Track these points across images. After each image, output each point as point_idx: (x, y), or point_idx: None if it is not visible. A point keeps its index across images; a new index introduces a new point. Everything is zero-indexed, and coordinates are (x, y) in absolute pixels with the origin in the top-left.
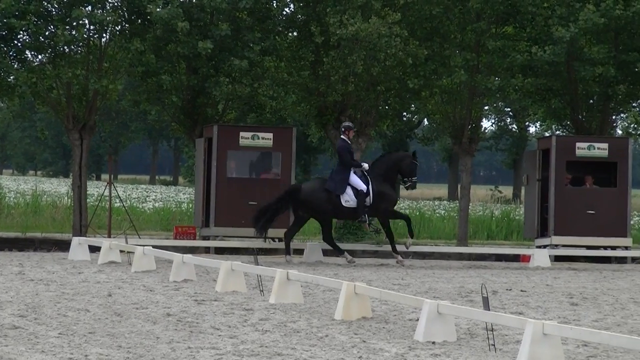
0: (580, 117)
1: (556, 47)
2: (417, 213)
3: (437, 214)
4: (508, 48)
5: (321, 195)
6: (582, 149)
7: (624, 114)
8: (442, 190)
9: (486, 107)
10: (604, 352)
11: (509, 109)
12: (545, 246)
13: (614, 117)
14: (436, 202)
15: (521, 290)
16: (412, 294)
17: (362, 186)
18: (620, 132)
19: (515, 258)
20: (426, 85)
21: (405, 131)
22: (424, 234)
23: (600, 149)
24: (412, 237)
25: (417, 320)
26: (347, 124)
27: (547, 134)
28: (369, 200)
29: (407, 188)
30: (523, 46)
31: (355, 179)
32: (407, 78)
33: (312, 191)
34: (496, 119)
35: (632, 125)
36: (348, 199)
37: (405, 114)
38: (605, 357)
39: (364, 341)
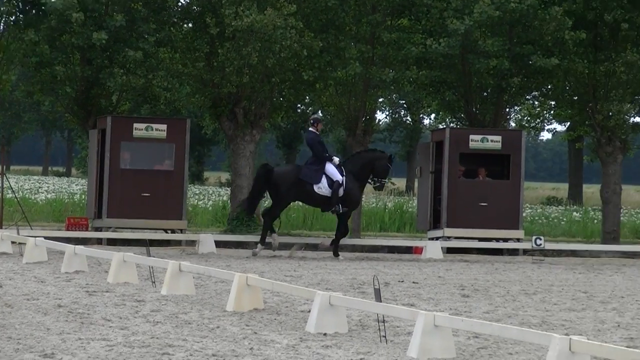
0: (474, 109)
1: (451, 39)
2: None
3: None
4: (403, 40)
5: (293, 181)
6: (476, 141)
7: (518, 106)
8: None
9: (380, 99)
10: (495, 344)
11: (403, 101)
12: (437, 238)
13: (507, 109)
14: None
15: (413, 282)
16: (304, 285)
17: (337, 177)
18: (513, 124)
19: (408, 250)
20: (321, 77)
21: (300, 123)
22: (316, 225)
23: (493, 142)
24: (330, 244)
25: (309, 311)
26: (315, 116)
27: (440, 126)
28: (341, 191)
29: (375, 188)
30: (418, 38)
31: (331, 169)
32: (301, 70)
33: (284, 174)
34: (390, 111)
35: (525, 118)
36: (321, 186)
37: (299, 105)
38: (495, 349)
39: (256, 332)
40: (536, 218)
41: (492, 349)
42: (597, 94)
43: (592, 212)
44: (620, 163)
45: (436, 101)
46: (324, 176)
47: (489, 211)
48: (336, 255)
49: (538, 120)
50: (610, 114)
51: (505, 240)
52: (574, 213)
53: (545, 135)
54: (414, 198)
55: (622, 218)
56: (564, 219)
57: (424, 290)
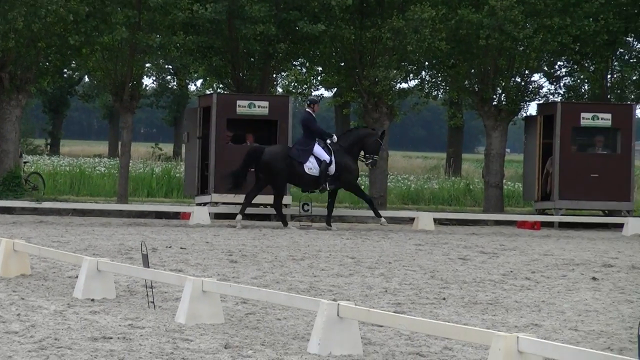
0: (241, 75)
1: (217, 4)
2: (78, 170)
3: (98, 171)
4: (170, 5)
5: (283, 160)
6: (243, 106)
7: (285, 72)
8: (103, 147)
9: (147, 65)
10: (263, 310)
11: (170, 67)
12: (205, 204)
13: (274, 75)
14: (96, 159)
15: (181, 248)
16: (72, 251)
17: (325, 156)
18: (281, 90)
19: (176, 215)
20: (87, 42)
21: (66, 88)
22: (83, 191)
23: (260, 107)
24: (379, 217)
25: (77, 277)
26: (313, 97)
27: (208, 92)
28: (331, 169)
29: (367, 165)
30: (185, 4)
31: (318, 150)
32: (68, 35)
33: (274, 154)
34: (157, 76)
35: (292, 84)
36: (311, 166)
37: (66, 70)
38: (264, 314)
39: (23, 298)
40: None
41: (261, 314)
42: (363, 60)
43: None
44: (387, 129)
45: (203, 67)
46: (312, 156)
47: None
48: (329, 225)
49: (305, 86)
50: (377, 80)
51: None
52: None
53: None
54: (181, 164)
55: (389, 184)
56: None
57: (192, 256)
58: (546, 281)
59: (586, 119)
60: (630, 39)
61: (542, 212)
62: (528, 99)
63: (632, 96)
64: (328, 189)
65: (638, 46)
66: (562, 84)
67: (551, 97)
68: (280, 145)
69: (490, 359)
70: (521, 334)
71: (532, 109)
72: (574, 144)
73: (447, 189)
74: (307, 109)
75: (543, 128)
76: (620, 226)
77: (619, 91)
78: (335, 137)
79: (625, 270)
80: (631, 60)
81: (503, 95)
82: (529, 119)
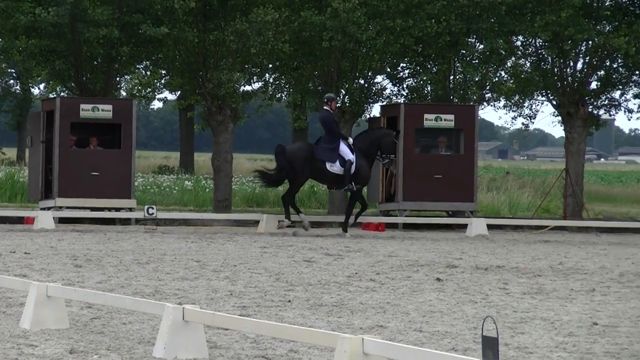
0: (84, 78)
1: (60, 8)
2: None
3: None
4: (12, 9)
5: (306, 157)
6: (87, 110)
7: (128, 75)
8: None
9: None
10: (108, 314)
11: (13, 70)
12: (49, 208)
13: (118, 78)
14: None
15: (25, 253)
16: None
17: (350, 156)
18: (124, 93)
19: (20, 220)
20: None
21: None
22: None
23: (104, 111)
24: (345, 231)
25: None
26: (330, 95)
27: (51, 96)
28: (353, 168)
29: (384, 164)
30: (27, 7)
31: (344, 148)
32: None
33: (297, 152)
34: (0, 80)
35: (136, 87)
36: (334, 165)
37: None
38: (109, 319)
39: None
40: (148, 187)
41: (106, 318)
42: (207, 63)
43: (204, 181)
44: (231, 132)
45: (46, 70)
46: (339, 156)
47: (101, 180)
48: (345, 231)
49: (149, 89)
50: (221, 82)
51: (118, 209)
52: (186, 182)
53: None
54: (25, 168)
55: (233, 186)
56: (176, 188)
57: (36, 261)
58: (391, 282)
59: (429, 120)
60: (472, 40)
61: (387, 213)
62: (371, 100)
63: (475, 97)
64: (355, 188)
65: (480, 47)
66: (405, 86)
67: (394, 98)
68: (303, 143)
69: None
70: (366, 336)
71: (375, 110)
72: (417, 145)
73: None
74: (325, 107)
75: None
76: (464, 227)
77: (461, 92)
78: (350, 139)
79: (469, 270)
80: (473, 62)
81: (347, 97)
82: (372, 120)
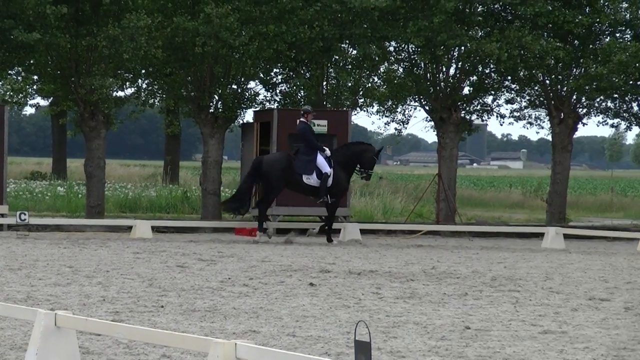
0: None
1: None
2: None
3: None
4: None
5: (283, 168)
6: None
7: (0, 81)
8: None
9: None
10: None
11: None
12: None
13: None
14: None
15: None
16: None
17: (326, 169)
18: None
19: None
20: None
21: None
22: None
23: None
24: (317, 231)
25: None
26: (306, 107)
27: None
28: (330, 181)
29: (362, 178)
30: None
31: (321, 161)
32: None
33: (274, 162)
34: None
35: (8, 93)
36: (310, 177)
37: None
38: None
39: None
40: (20, 193)
41: None
42: (79, 69)
43: (77, 187)
44: (104, 137)
45: None
46: (316, 168)
47: None
48: (330, 241)
49: (21, 95)
50: (93, 88)
51: None
52: (59, 188)
53: (29, 110)
54: None
55: (106, 192)
56: (49, 194)
57: None
58: (264, 287)
59: None
60: (345, 46)
61: None
62: (245, 106)
63: (348, 102)
64: (330, 201)
65: (353, 53)
66: (278, 91)
67: (268, 104)
68: (280, 153)
69: None
70: (239, 341)
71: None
72: (291, 151)
73: (164, 197)
74: (301, 119)
75: (260, 135)
76: (337, 232)
77: (335, 97)
78: (328, 151)
79: (342, 275)
80: (346, 67)
81: (220, 102)
82: (245, 126)
